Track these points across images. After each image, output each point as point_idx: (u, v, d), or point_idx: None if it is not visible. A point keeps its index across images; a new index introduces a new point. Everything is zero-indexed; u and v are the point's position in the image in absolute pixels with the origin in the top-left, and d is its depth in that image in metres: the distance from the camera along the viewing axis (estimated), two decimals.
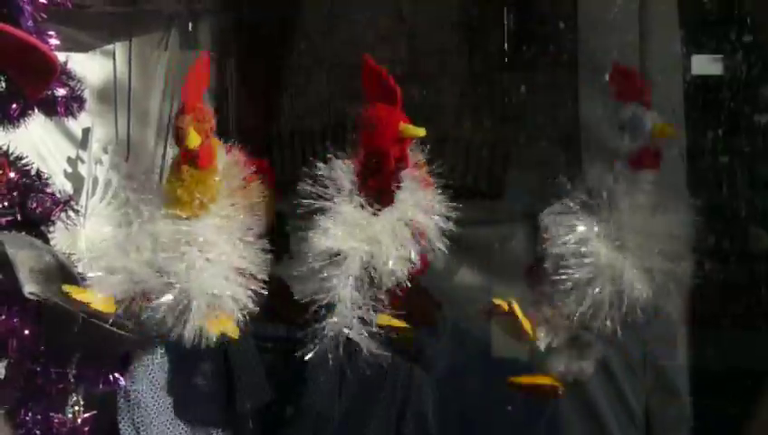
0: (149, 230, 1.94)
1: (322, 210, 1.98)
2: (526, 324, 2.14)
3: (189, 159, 1.94)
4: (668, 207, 2.10)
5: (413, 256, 2.01)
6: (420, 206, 2.01)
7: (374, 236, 1.97)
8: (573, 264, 2.02)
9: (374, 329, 1.97)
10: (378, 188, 2.00)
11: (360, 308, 1.97)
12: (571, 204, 2.05)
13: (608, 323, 2.04)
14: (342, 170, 1.99)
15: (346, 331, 1.96)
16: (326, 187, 1.98)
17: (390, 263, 1.97)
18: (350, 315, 1.96)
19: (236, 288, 1.95)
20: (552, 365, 2.20)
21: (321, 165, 1.99)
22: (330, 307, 1.99)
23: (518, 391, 2.31)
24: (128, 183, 2.74)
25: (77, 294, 1.84)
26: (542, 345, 2.16)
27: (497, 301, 2.16)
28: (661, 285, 2.08)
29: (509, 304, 2.15)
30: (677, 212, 2.09)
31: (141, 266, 1.91)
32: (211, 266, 1.93)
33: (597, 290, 2.02)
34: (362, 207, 1.98)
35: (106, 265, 1.93)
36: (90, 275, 1.91)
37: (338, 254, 1.96)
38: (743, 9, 3.03)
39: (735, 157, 3.09)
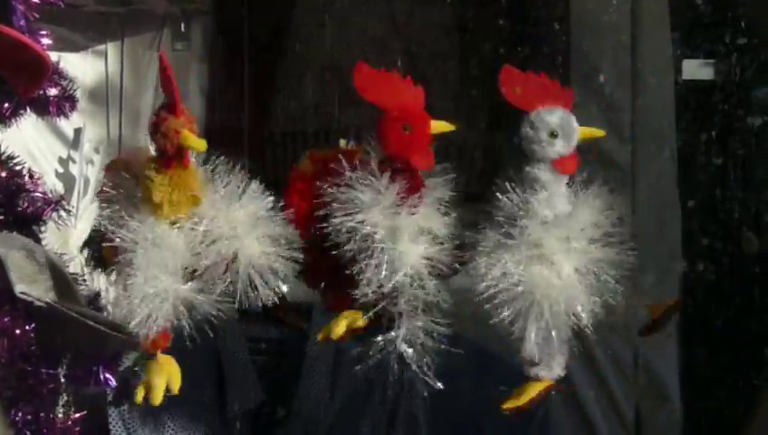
0: (166, 244, 1.90)
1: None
2: None
3: (177, 161, 1.92)
4: (593, 206, 2.05)
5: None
6: (434, 202, 2.00)
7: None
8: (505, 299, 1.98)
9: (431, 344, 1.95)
10: (408, 190, 1.98)
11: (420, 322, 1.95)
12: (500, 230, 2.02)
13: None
14: (375, 179, 1.96)
15: (406, 348, 1.93)
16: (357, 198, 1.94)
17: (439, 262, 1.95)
18: (413, 328, 1.94)
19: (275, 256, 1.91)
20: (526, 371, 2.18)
21: (360, 177, 1.94)
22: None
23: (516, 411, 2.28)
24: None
25: None
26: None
27: None
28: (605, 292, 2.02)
29: None
30: (607, 210, 2.04)
31: (173, 284, 1.88)
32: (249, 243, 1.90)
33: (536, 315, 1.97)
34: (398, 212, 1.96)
35: (145, 291, 1.88)
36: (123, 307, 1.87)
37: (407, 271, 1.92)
38: (735, 11, 3.04)
39: (727, 159, 3.10)
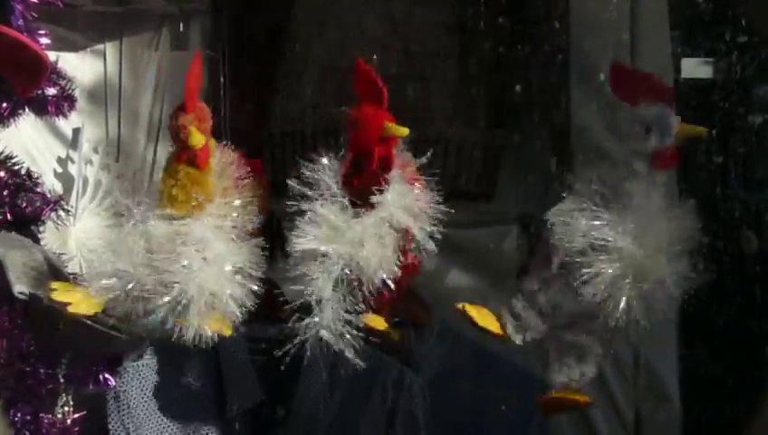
0: (142, 231, 1.93)
1: (304, 212, 1.97)
2: (490, 325, 2.13)
3: (188, 158, 1.94)
4: (679, 208, 2.10)
5: (397, 257, 1.99)
6: (407, 207, 2.00)
7: (356, 238, 1.96)
8: (594, 257, 2.02)
9: (355, 332, 1.97)
10: (361, 189, 1.99)
11: (342, 310, 1.97)
12: (584, 203, 2.05)
13: (609, 322, 2.03)
14: (327, 171, 1.99)
15: (323, 332, 1.95)
16: (311, 188, 1.97)
17: (372, 264, 1.96)
18: (330, 317, 1.95)
19: (235, 287, 1.94)
20: (552, 379, 2.19)
21: (306, 165, 1.98)
22: (308, 308, 1.98)
23: (548, 409, 2.29)
24: (118, 183, 2.74)
25: (60, 295, 1.83)
26: (517, 340, 2.15)
27: (459, 305, 2.15)
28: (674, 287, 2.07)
29: (462, 307, 2.14)
30: (685, 213, 2.10)
31: (136, 268, 1.90)
32: (208, 266, 1.92)
33: (623, 285, 2.00)
34: (346, 208, 1.97)
35: (99, 268, 1.91)
36: (82, 279, 1.89)
37: (324, 255, 1.95)
38: (735, 9, 3.04)
39: (728, 158, 3.09)
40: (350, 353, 1.96)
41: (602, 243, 2.00)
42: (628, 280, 2.00)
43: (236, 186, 2.02)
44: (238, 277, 1.95)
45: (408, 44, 3.10)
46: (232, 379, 2.38)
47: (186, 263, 1.90)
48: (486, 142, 3.10)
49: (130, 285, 1.89)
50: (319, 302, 1.95)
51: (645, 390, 2.97)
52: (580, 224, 2.02)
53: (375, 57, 2.95)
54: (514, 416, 2.72)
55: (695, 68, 3.10)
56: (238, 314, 1.95)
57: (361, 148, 1.98)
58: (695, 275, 2.08)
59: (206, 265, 1.92)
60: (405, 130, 1.96)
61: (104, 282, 1.88)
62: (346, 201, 1.97)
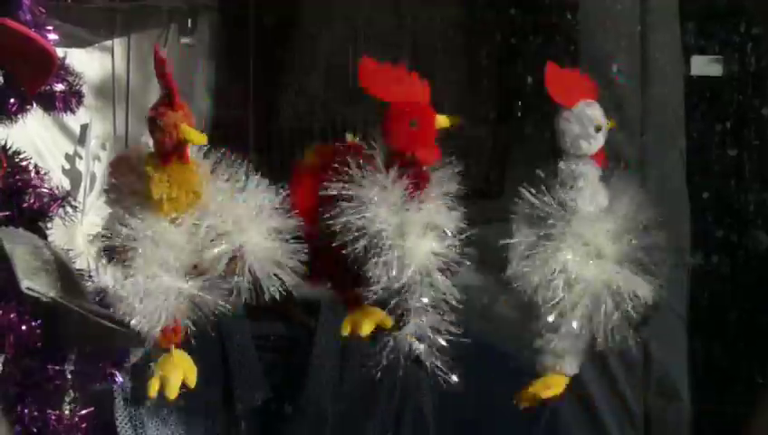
0: (166, 242, 1.89)
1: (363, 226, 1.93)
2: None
3: (178, 156, 1.90)
4: (632, 199, 2.06)
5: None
6: (441, 196, 1.99)
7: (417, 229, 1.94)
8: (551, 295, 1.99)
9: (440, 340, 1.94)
10: (414, 185, 1.97)
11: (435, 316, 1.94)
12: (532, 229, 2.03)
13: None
14: (373, 178, 1.95)
15: (415, 344, 1.92)
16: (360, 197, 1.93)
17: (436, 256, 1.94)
18: (424, 325, 1.93)
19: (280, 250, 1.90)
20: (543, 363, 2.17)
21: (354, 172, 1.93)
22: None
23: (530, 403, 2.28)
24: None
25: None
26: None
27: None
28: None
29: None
30: (643, 204, 2.06)
31: (178, 278, 1.87)
32: (258, 235, 1.89)
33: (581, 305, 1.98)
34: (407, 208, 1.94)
35: (148, 286, 1.87)
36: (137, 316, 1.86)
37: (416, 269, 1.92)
38: (747, 2, 3.02)
39: (739, 154, 3.08)
40: (439, 363, 1.94)
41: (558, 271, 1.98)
42: (594, 303, 1.97)
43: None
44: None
45: (416, 39, 3.10)
46: (239, 375, 2.38)
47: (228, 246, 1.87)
48: (495, 139, 3.09)
49: (178, 297, 1.86)
50: (407, 311, 1.92)
51: (655, 388, 2.96)
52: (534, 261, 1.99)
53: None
54: (522, 414, 2.71)
55: (705, 65, 3.08)
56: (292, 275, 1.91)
57: (423, 144, 1.95)
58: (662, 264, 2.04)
59: (257, 235, 1.88)
60: (456, 118, 1.96)
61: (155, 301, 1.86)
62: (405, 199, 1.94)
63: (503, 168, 3.13)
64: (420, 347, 1.92)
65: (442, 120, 1.96)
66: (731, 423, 2.96)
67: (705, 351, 3.04)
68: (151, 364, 1.97)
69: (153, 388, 1.93)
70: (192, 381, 1.93)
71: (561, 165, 2.04)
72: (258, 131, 3.18)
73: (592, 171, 2.04)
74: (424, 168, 1.97)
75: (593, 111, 2.04)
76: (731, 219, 3.06)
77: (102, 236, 1.96)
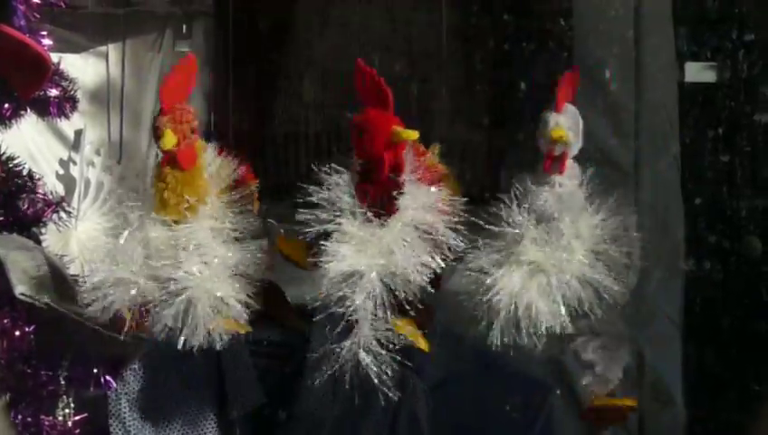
0: (141, 237, 1.90)
1: (327, 233, 1.92)
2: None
3: (169, 160, 1.91)
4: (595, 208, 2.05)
5: (430, 259, 1.95)
6: (427, 206, 1.96)
7: (386, 249, 1.92)
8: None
9: (386, 353, 1.93)
10: (378, 197, 1.95)
11: (380, 328, 1.93)
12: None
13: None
14: (340, 187, 1.94)
15: (362, 354, 1.91)
16: (325, 208, 1.92)
17: (408, 271, 1.92)
18: (369, 336, 1.92)
19: (238, 289, 1.93)
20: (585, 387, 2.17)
21: (315, 188, 1.92)
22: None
23: (591, 418, 2.27)
24: (119, 186, 2.73)
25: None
26: None
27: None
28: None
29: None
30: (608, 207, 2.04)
31: (138, 276, 1.88)
32: (209, 269, 1.90)
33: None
34: (369, 220, 1.93)
35: (102, 277, 1.89)
36: (85, 291, 1.87)
37: (353, 274, 1.91)
38: (740, 8, 3.02)
39: (732, 158, 3.08)
40: (386, 374, 1.93)
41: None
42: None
43: (231, 188, 2.00)
44: (239, 279, 1.94)
45: (410, 45, 3.10)
46: (233, 381, 2.37)
47: (186, 268, 1.88)
48: (489, 143, 3.09)
49: (133, 292, 1.87)
50: (356, 322, 1.91)
51: (649, 392, 2.96)
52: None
53: (375, 59, 2.94)
54: (518, 419, 2.71)
55: (698, 72, 3.08)
56: (245, 315, 1.94)
57: (371, 155, 1.94)
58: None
59: (207, 269, 1.90)
60: (414, 134, 1.91)
61: (108, 291, 1.86)
62: (369, 214, 1.92)
63: (497, 173, 3.12)
64: (367, 359, 1.90)
65: (399, 134, 1.92)
66: (724, 428, 2.96)
67: (698, 356, 3.03)
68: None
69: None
70: None
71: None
72: (253, 137, 3.18)
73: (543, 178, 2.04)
74: (387, 178, 1.93)
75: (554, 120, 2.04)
76: (724, 225, 3.05)
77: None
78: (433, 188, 1.97)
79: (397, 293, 1.89)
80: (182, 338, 1.88)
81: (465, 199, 2.03)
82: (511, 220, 2.00)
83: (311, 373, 2.41)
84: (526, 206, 2.00)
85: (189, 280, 1.88)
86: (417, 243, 1.93)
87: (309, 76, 3.15)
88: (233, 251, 1.94)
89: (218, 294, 1.90)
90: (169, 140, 1.86)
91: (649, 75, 2.85)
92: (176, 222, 1.92)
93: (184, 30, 3.10)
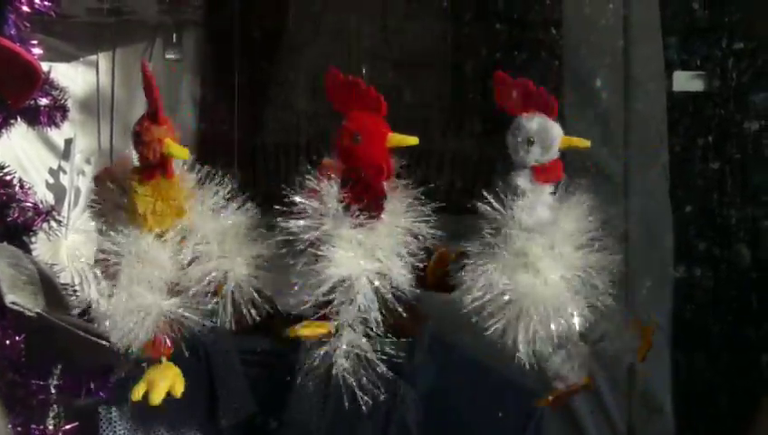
0: (151, 259, 1.89)
1: (317, 240, 1.91)
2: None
3: (162, 171, 1.90)
4: (578, 212, 2.04)
5: (415, 260, 1.95)
6: (410, 210, 1.96)
7: (377, 253, 1.92)
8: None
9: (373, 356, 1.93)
10: (369, 201, 1.94)
11: (362, 334, 1.93)
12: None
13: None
14: (327, 193, 1.93)
15: (341, 361, 1.90)
16: (311, 214, 1.92)
17: (395, 274, 1.91)
18: (356, 343, 1.91)
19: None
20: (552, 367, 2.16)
21: (300, 198, 1.92)
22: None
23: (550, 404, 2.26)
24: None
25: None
26: None
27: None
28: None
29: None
30: (591, 216, 2.03)
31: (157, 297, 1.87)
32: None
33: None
34: (360, 225, 1.92)
35: (131, 307, 1.88)
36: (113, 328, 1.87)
37: (344, 280, 1.89)
38: (729, 17, 3.04)
39: (721, 166, 3.09)
40: (371, 382, 1.92)
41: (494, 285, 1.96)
42: (522, 320, 1.94)
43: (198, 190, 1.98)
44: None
45: (401, 54, 3.11)
46: (224, 390, 2.37)
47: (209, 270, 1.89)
48: (480, 152, 3.10)
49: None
50: (337, 329, 1.90)
51: (638, 401, 2.97)
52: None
53: (364, 68, 2.94)
54: (507, 427, 2.71)
55: (687, 81, 3.10)
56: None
57: (369, 161, 1.93)
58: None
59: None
60: (413, 140, 1.90)
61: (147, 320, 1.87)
62: (355, 218, 1.90)
63: (487, 182, 3.13)
64: (345, 363, 1.90)
65: (394, 139, 1.90)
66: None
67: (687, 364, 3.04)
68: (143, 364, 1.98)
69: (138, 392, 1.92)
70: (178, 391, 1.93)
71: (509, 176, 2.03)
72: (243, 146, 3.18)
73: (528, 184, 2.01)
74: (375, 184, 1.92)
75: (528, 124, 2.01)
76: (713, 233, 3.07)
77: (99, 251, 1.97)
78: (408, 198, 1.97)
79: (387, 297, 1.89)
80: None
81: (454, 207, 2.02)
82: (498, 226, 1.99)
83: (302, 382, 2.42)
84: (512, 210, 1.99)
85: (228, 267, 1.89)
86: (405, 246, 1.93)
87: (299, 85, 3.15)
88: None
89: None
90: (181, 150, 1.85)
91: (639, 84, 2.87)
92: (158, 235, 1.91)
93: (174, 39, 3.10)
